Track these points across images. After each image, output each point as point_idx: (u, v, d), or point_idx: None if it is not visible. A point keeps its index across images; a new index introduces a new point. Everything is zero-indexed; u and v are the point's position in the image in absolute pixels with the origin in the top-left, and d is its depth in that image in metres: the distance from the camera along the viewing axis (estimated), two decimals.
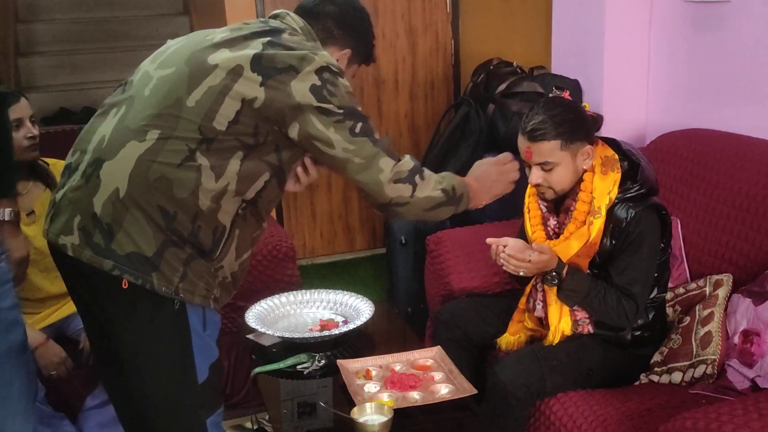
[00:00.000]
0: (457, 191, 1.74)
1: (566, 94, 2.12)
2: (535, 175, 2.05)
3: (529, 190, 2.22)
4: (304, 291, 2.45)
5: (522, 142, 2.05)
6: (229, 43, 1.62)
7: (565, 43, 3.06)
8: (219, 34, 1.67)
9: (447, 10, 4.13)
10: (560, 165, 2.01)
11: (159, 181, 1.52)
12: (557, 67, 3.10)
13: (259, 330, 2.21)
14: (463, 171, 3.00)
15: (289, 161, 1.67)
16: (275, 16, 1.77)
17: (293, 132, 1.58)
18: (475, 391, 1.88)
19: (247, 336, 2.27)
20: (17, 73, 4.64)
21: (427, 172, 1.70)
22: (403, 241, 3.03)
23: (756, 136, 2.41)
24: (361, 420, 1.70)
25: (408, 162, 1.67)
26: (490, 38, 3.88)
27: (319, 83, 1.57)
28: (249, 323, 2.24)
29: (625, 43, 2.84)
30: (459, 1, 4.12)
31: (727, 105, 2.59)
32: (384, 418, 1.70)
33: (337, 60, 1.74)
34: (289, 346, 2.18)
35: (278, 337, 2.20)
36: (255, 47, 1.60)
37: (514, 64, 3.24)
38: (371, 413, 1.73)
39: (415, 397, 1.88)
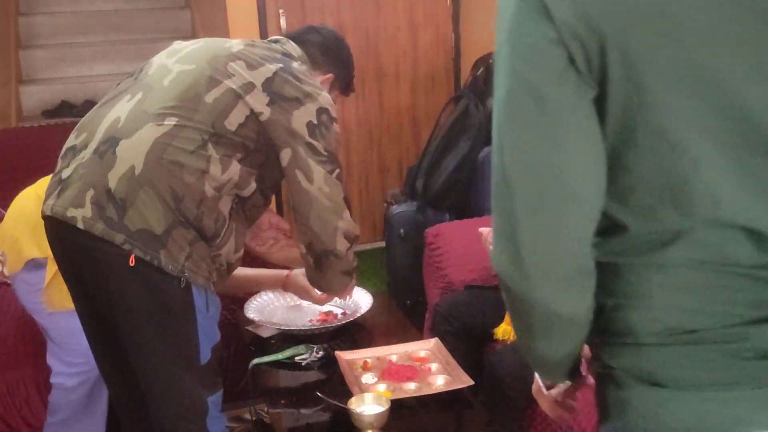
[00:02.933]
0: (355, 273, 1.97)
1: None
2: None
3: None
4: None
5: None
6: (245, 58, 1.72)
7: None
8: (235, 44, 1.77)
9: (447, 3, 4.13)
10: None
11: (172, 164, 1.59)
12: None
13: (258, 321, 2.23)
14: (462, 164, 3.04)
15: (271, 177, 1.78)
16: (276, 41, 1.88)
17: (285, 156, 1.71)
18: (471, 382, 1.89)
19: (246, 327, 2.28)
20: (18, 66, 4.65)
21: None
22: (403, 234, 3.04)
23: None
24: (358, 410, 1.70)
25: (357, 228, 1.87)
26: (490, 31, 3.87)
27: (315, 122, 1.71)
28: (248, 315, 2.25)
29: None
30: None
31: None
32: (381, 409, 1.71)
33: (321, 83, 1.87)
34: (288, 338, 2.19)
35: (277, 328, 2.21)
36: (268, 71, 1.71)
37: None
38: (368, 404, 1.74)
39: (411, 388, 1.89)
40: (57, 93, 4.56)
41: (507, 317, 2.22)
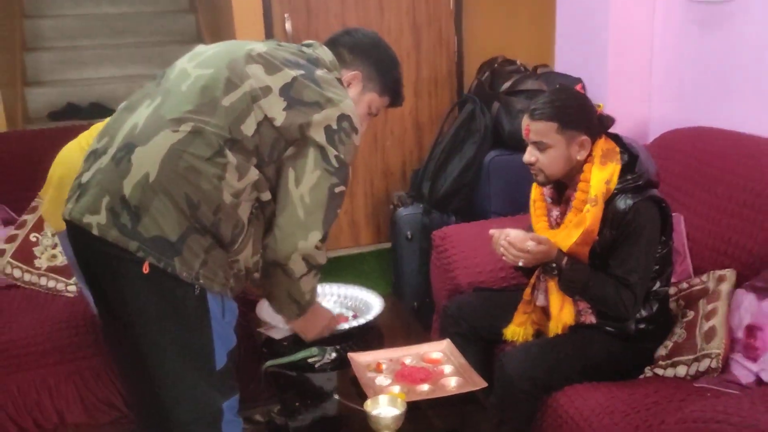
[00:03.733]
0: (309, 306, 1.89)
1: (579, 87, 2.17)
2: (530, 153, 2.13)
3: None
4: None
5: (524, 120, 2.15)
6: (265, 62, 1.70)
7: (568, 42, 3.09)
8: (257, 47, 1.75)
9: (450, 6, 4.15)
10: (553, 148, 2.07)
11: (187, 170, 1.59)
12: (560, 66, 3.13)
13: (271, 323, 2.25)
14: (468, 167, 3.07)
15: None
16: (309, 45, 1.86)
17: (289, 152, 1.68)
18: (485, 384, 1.92)
19: (258, 329, 2.30)
20: (23, 68, 4.66)
21: (318, 275, 1.82)
22: (410, 237, 3.07)
23: (759, 134, 2.44)
24: (374, 413, 1.73)
25: (324, 258, 1.78)
26: (493, 35, 3.91)
27: (335, 127, 1.68)
28: (260, 317, 2.28)
29: (628, 42, 2.87)
30: None
31: (730, 104, 2.62)
32: (397, 411, 1.73)
33: (349, 83, 1.85)
34: (300, 340, 2.21)
35: (289, 330, 2.24)
36: (287, 76, 1.69)
37: (518, 62, 3.27)
38: (384, 406, 1.76)
39: (425, 390, 1.91)
40: (63, 95, 4.57)
41: (515, 318, 2.25)
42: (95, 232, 1.60)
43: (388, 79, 1.93)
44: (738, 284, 2.15)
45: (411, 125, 4.21)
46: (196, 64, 1.73)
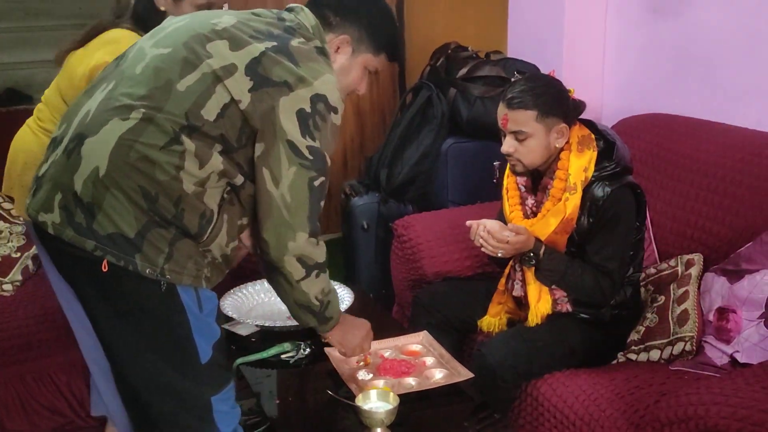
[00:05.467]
0: (328, 313, 1.70)
1: (552, 73, 2.14)
2: (508, 144, 2.07)
3: (508, 170, 2.22)
4: None
5: (501, 110, 2.07)
6: (231, 36, 1.53)
7: (522, 28, 3.08)
8: (225, 20, 1.57)
9: None
10: (533, 137, 2.03)
11: (140, 161, 1.45)
12: (514, 52, 3.12)
13: (237, 319, 2.14)
14: (425, 155, 3.02)
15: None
16: (290, 10, 1.68)
17: (257, 149, 1.51)
18: (471, 375, 1.88)
19: (223, 326, 2.19)
20: None
21: (323, 275, 1.65)
22: (365, 227, 2.99)
23: (712, 120, 2.49)
24: (366, 407, 1.66)
25: (321, 254, 1.61)
26: (438, 22, 3.87)
27: (308, 110, 1.50)
28: (225, 312, 2.17)
29: (583, 28, 2.89)
30: None
31: (683, 90, 2.67)
32: (390, 406, 1.67)
33: (338, 49, 1.68)
34: (269, 335, 2.12)
35: (257, 326, 2.14)
36: (255, 50, 1.51)
37: (470, 48, 3.25)
38: (375, 401, 1.70)
39: (411, 383, 1.86)
40: None
41: (490, 309, 2.22)
42: (51, 231, 1.48)
43: (381, 37, 1.72)
44: (705, 268, 2.19)
45: (352, 112, 4.13)
46: (155, 42, 1.57)
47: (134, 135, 1.45)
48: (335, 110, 1.55)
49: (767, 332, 1.92)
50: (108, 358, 1.62)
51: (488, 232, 2.02)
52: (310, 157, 1.52)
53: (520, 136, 2.04)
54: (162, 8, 2.06)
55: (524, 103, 2.01)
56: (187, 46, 1.51)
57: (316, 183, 1.55)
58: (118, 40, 1.99)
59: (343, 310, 2.17)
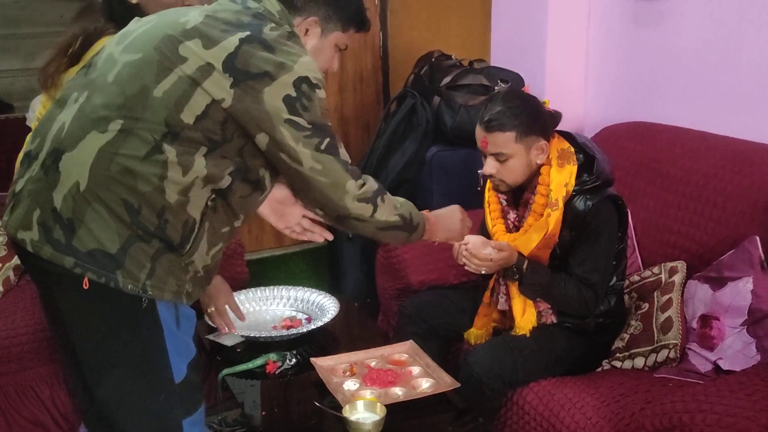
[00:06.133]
0: (413, 220, 1.72)
1: (526, 88, 2.14)
2: (489, 166, 2.07)
3: (489, 184, 2.23)
4: (262, 288, 2.38)
5: (479, 132, 2.06)
6: (202, 34, 1.50)
7: (505, 36, 3.10)
8: (193, 17, 1.53)
9: (375, 1, 4.09)
10: (514, 157, 2.04)
11: (122, 174, 1.42)
12: (497, 60, 3.14)
13: (221, 330, 2.13)
14: (410, 163, 3.02)
15: (255, 162, 1.57)
16: None
17: (261, 141, 1.50)
18: (457, 385, 1.88)
19: (207, 336, 2.18)
20: None
21: (388, 195, 1.67)
22: (350, 236, 2.99)
23: (692, 128, 2.51)
24: (353, 419, 1.66)
25: (372, 184, 1.63)
26: (421, 31, 3.88)
27: (294, 94, 1.48)
28: (209, 323, 2.15)
29: (566, 37, 2.91)
30: None
31: (664, 99, 2.69)
32: (377, 417, 1.66)
33: (306, 31, 1.66)
34: (254, 346, 2.11)
35: (242, 336, 2.12)
36: (230, 44, 1.48)
37: (453, 56, 3.26)
38: (362, 411, 1.69)
39: (397, 393, 1.86)
40: None
41: (476, 322, 2.22)
42: (29, 248, 1.45)
43: (349, 11, 1.70)
44: (689, 275, 2.20)
45: (336, 121, 4.12)
46: (124, 47, 1.53)
47: (114, 147, 1.43)
48: (318, 86, 1.53)
49: (750, 339, 1.94)
50: (85, 374, 1.58)
51: (470, 252, 2.03)
52: (309, 127, 1.50)
53: (500, 158, 2.04)
54: (134, 1, 1.96)
55: (502, 125, 2.01)
56: (159, 50, 1.48)
57: (323, 146, 1.52)
58: None
59: (329, 319, 2.19)
